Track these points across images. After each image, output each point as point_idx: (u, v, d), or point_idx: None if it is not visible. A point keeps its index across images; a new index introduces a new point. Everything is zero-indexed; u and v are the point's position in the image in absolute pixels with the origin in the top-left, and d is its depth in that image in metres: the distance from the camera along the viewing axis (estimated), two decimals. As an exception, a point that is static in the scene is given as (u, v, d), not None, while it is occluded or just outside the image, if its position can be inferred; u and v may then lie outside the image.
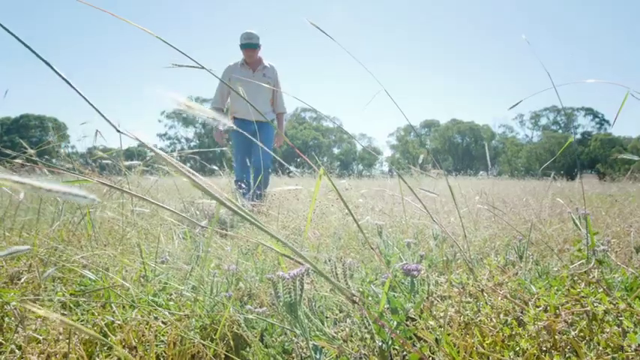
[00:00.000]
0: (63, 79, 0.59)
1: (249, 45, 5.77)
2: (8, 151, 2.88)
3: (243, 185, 4.83)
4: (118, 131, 0.68)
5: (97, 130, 2.80)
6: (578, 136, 65.39)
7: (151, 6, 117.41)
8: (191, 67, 0.97)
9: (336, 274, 1.46)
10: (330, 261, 1.47)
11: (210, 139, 66.93)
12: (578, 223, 1.99)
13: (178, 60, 0.95)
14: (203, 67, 0.95)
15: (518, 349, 1.17)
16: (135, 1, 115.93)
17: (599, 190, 8.73)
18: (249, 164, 5.13)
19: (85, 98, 0.61)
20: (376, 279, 1.86)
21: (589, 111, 66.21)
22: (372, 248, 0.93)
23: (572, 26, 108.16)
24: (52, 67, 0.59)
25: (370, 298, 1.56)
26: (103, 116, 0.64)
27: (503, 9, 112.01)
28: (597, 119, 66.80)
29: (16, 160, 2.81)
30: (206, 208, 3.66)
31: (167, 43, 0.74)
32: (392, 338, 1.08)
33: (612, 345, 1.09)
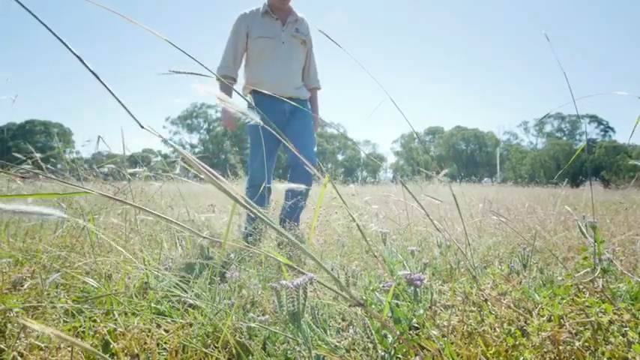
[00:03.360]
0: (95, 75, 0.59)
1: None
2: (16, 155, 2.90)
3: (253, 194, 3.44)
4: (142, 127, 0.68)
5: (99, 136, 2.81)
6: (583, 144, 65.03)
7: (154, 6, 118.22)
8: (192, 74, 0.97)
9: (339, 282, 1.45)
10: (333, 269, 1.47)
11: (215, 146, 67.07)
12: (585, 231, 1.98)
13: (181, 65, 0.95)
14: (200, 74, 0.96)
15: (522, 359, 1.16)
16: (140, 2, 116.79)
17: (603, 198, 8.69)
18: (272, 162, 3.66)
19: (113, 94, 0.61)
20: (381, 286, 1.85)
21: (593, 118, 66.07)
22: (374, 256, 0.93)
23: (573, 28, 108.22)
24: (86, 64, 0.59)
25: (373, 306, 1.55)
26: (129, 112, 0.64)
27: (508, 14, 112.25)
28: (602, 126, 66.66)
29: (25, 166, 2.83)
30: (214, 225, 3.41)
31: (174, 45, 0.74)
32: (394, 348, 1.07)
33: (617, 356, 1.08)
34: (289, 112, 3.69)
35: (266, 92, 3.38)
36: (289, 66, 3.70)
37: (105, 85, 0.61)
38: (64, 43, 0.58)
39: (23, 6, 0.58)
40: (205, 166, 0.59)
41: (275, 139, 3.57)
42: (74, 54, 0.60)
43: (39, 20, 0.60)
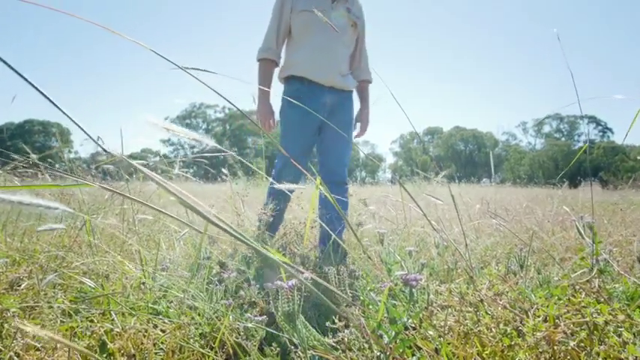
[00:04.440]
0: (51, 101, 0.59)
1: None
2: (14, 156, 2.90)
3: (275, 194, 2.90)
4: (106, 151, 0.68)
5: (98, 137, 2.80)
6: (581, 144, 65.40)
7: (155, 5, 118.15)
8: (188, 68, 0.97)
9: (336, 282, 1.46)
10: (330, 269, 1.47)
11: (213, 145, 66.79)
12: (582, 232, 1.99)
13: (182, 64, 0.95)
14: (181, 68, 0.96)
15: (517, 359, 1.17)
16: (141, 1, 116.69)
17: (601, 198, 8.71)
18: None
19: (69, 117, 0.61)
20: (379, 286, 1.85)
21: (592, 119, 66.14)
22: (369, 258, 0.93)
23: (573, 28, 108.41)
24: (38, 90, 0.59)
25: (370, 307, 1.55)
26: (88, 135, 0.64)
27: (507, 14, 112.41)
28: (600, 127, 66.76)
29: (22, 164, 2.83)
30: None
31: (158, 54, 0.74)
32: (390, 348, 1.07)
33: (612, 356, 1.08)
34: (330, 105, 3.07)
35: (303, 77, 2.96)
36: (335, 48, 3.06)
37: (58, 107, 0.61)
38: (8, 64, 0.58)
39: None
40: (173, 186, 0.59)
41: (313, 133, 3.04)
42: (25, 79, 0.59)
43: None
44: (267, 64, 3.07)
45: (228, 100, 0.87)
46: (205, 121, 72.62)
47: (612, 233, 3.20)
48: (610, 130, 66.32)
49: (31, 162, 2.90)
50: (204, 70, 0.98)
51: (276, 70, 3.15)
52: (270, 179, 2.80)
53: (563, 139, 68.54)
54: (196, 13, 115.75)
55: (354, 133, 3.25)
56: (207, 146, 0.66)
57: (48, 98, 0.60)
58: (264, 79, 3.07)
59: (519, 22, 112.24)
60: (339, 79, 3.06)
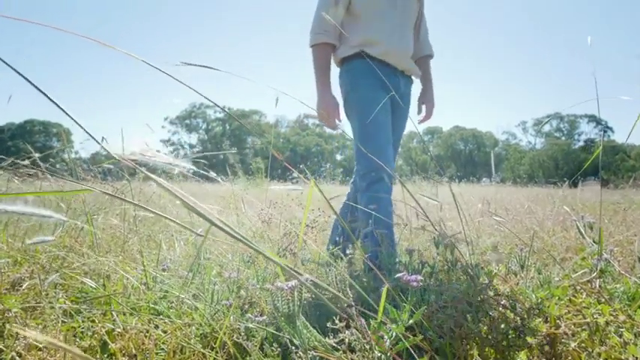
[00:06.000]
0: (53, 101, 0.59)
1: None
2: (16, 161, 2.90)
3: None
4: (114, 152, 0.69)
5: (102, 137, 2.78)
6: (582, 144, 65.45)
7: (155, 6, 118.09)
8: (197, 65, 0.97)
9: (336, 282, 1.46)
10: (330, 270, 1.48)
11: (213, 145, 66.98)
12: (583, 232, 1.99)
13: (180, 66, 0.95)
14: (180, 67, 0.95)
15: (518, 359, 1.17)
16: (141, 1, 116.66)
17: (602, 198, 8.69)
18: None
19: (70, 116, 0.62)
20: (377, 288, 1.85)
21: (592, 118, 66.08)
22: (366, 258, 0.93)
23: (573, 28, 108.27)
24: (39, 89, 0.59)
25: (370, 308, 1.55)
26: (90, 134, 0.65)
27: (507, 14, 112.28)
28: (600, 126, 66.66)
29: (24, 163, 2.83)
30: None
31: (150, 64, 0.74)
32: (391, 349, 1.07)
33: (613, 357, 1.08)
34: (401, 92, 2.58)
35: (377, 57, 2.45)
36: (406, 26, 2.59)
37: (60, 107, 0.61)
38: (6, 63, 0.58)
39: None
40: (181, 191, 0.59)
41: (389, 116, 2.47)
42: (25, 78, 0.59)
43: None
44: (325, 48, 2.54)
45: (217, 105, 0.87)
46: (205, 121, 72.53)
47: (613, 233, 3.20)
48: (610, 129, 66.21)
49: (32, 160, 2.90)
50: (203, 66, 0.98)
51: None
52: (359, 173, 2.42)
53: (563, 138, 68.46)
54: (196, 13, 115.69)
55: (419, 117, 2.80)
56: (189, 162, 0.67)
57: (49, 98, 0.60)
58: (324, 67, 2.54)
59: (519, 22, 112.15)
60: (409, 64, 2.64)
